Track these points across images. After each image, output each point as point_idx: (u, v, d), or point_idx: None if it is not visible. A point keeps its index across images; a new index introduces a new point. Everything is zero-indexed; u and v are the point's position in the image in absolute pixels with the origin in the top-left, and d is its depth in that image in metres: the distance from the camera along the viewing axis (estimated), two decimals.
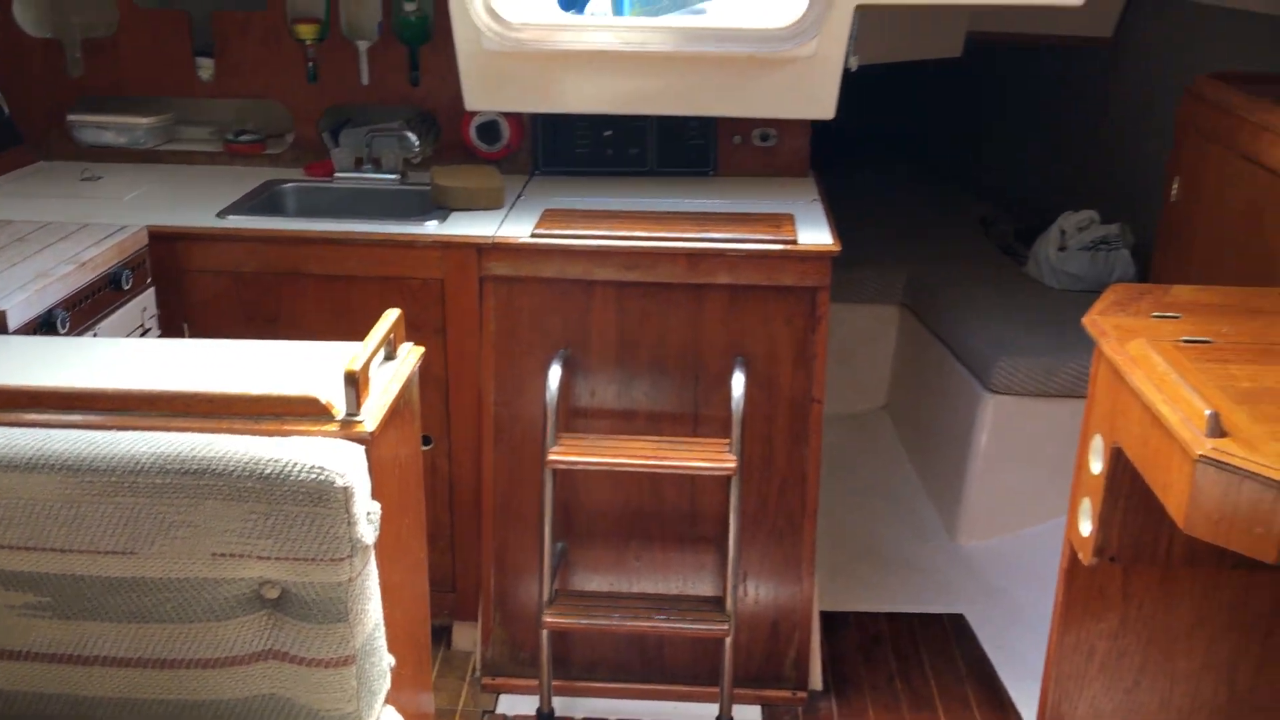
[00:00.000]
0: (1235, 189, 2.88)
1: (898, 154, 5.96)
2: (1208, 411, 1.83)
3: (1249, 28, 3.85)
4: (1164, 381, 2.01)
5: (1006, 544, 3.67)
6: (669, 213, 3.06)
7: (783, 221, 2.97)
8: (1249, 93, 2.92)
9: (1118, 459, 2.22)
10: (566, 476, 2.98)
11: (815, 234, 2.92)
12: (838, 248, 2.84)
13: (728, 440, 2.84)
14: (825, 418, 4.41)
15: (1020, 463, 3.65)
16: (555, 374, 2.85)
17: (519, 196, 3.23)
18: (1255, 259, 2.77)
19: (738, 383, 2.83)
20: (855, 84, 5.86)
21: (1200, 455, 1.80)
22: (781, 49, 2.94)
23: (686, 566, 3.04)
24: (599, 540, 3.04)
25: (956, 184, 5.43)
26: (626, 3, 3.65)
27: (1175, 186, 3.21)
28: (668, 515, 3.01)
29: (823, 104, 3.12)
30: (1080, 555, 2.36)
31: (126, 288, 2.74)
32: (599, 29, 3.01)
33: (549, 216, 3.01)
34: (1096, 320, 2.32)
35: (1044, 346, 3.65)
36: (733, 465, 2.78)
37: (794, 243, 2.85)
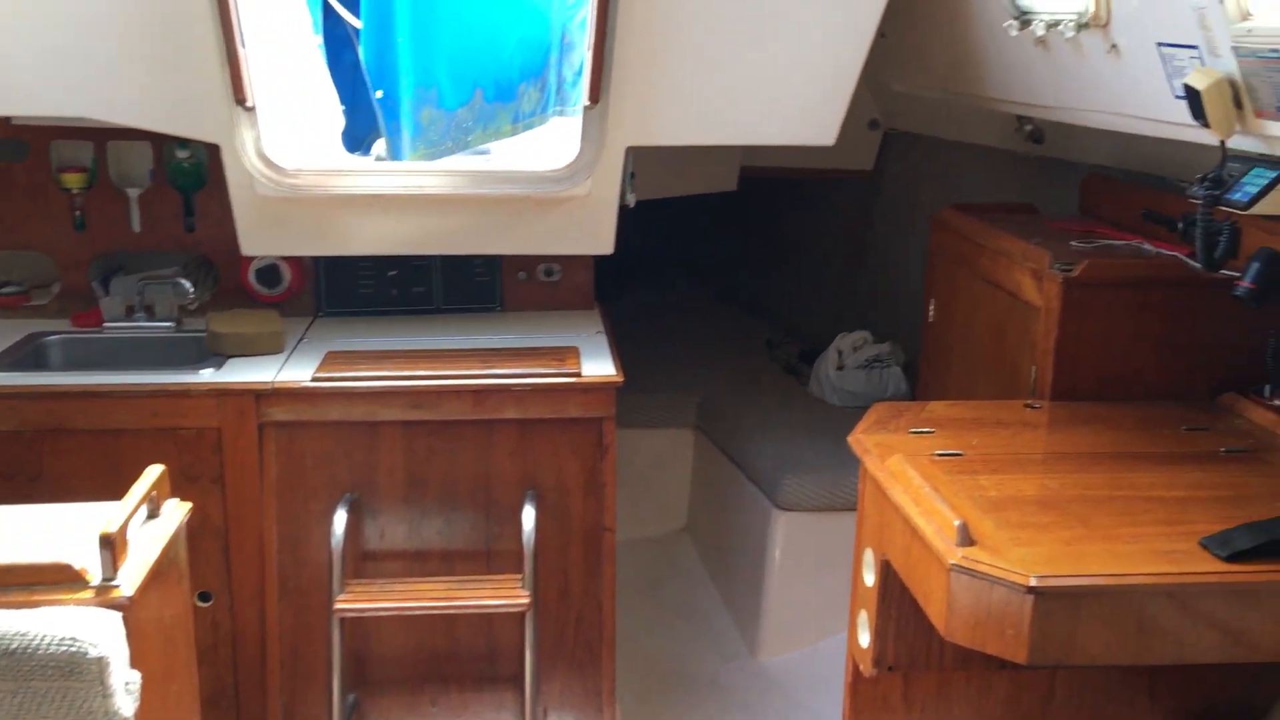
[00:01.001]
0: (981, 309, 3.12)
1: (688, 280, 6.19)
2: (957, 522, 1.95)
3: (989, 160, 4.23)
4: (919, 495, 2.14)
5: (805, 658, 3.75)
6: (454, 350, 3.08)
7: (567, 355, 3.04)
8: (986, 221, 3.19)
9: (887, 571, 2.32)
10: (357, 624, 2.90)
11: (599, 366, 2.99)
12: (620, 379, 2.91)
13: (521, 575, 2.83)
14: (627, 543, 4.47)
15: (813, 576, 3.75)
16: (341, 519, 2.79)
17: (301, 340, 3.19)
18: (1002, 374, 2.98)
19: (528, 516, 2.84)
20: (645, 212, 6.08)
21: (952, 564, 1.91)
22: (558, 190, 3.04)
23: (485, 708, 2.98)
24: (393, 688, 2.95)
25: (743, 308, 5.67)
26: (406, 147, 3.71)
27: (931, 308, 3.45)
28: (464, 656, 2.96)
29: (601, 240, 3.23)
30: (861, 667, 2.44)
31: None
32: (376, 173, 3.06)
33: (331, 359, 2.99)
34: (860, 439, 2.45)
35: (827, 463, 3.80)
36: (526, 601, 2.77)
37: (578, 375, 2.91)
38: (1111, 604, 1.85)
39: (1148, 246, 2.97)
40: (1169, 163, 3.22)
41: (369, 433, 2.88)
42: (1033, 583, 1.83)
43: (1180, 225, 2.95)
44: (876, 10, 2.96)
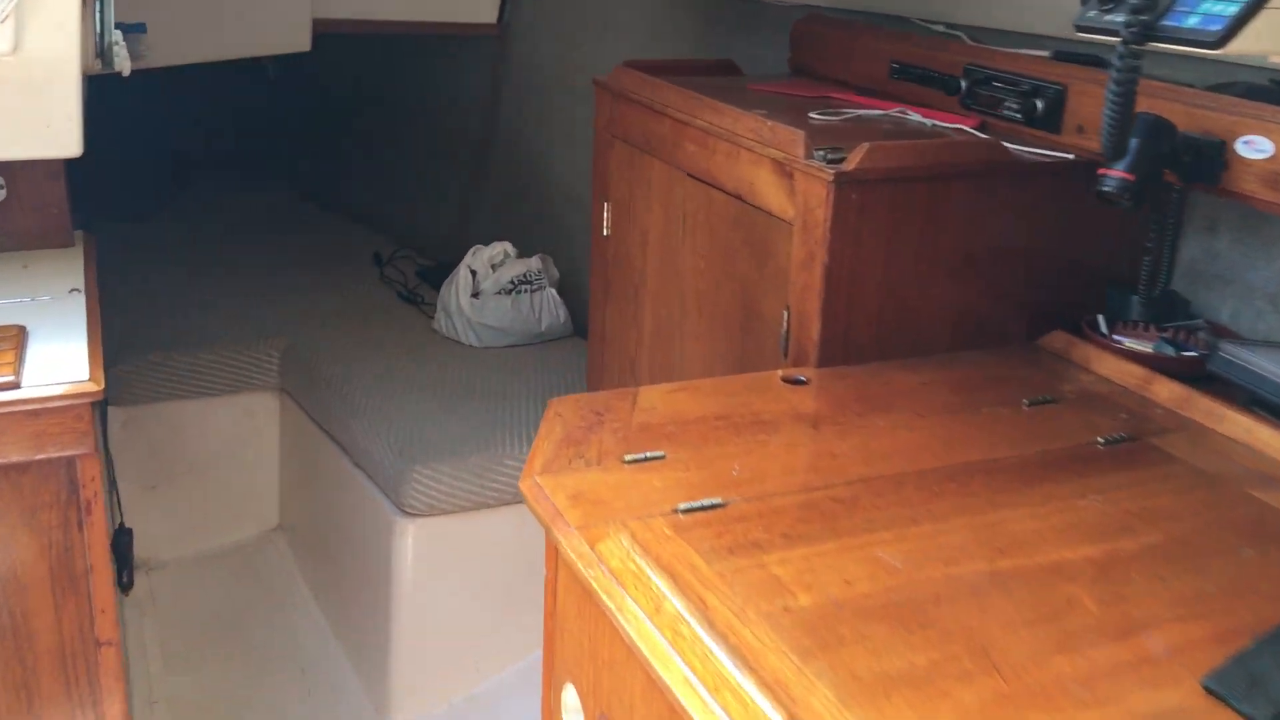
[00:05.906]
0: (687, 220, 2.09)
1: (274, 182, 4.77)
2: None
3: (650, 6, 3.17)
4: (678, 636, 1.08)
5: (456, 713, 2.69)
6: None
7: (0, 343, 1.70)
8: (682, 86, 2.13)
9: None
10: None
11: (62, 361, 1.68)
12: (99, 387, 1.63)
13: None
14: (194, 558, 3.17)
15: (459, 600, 2.68)
16: None
17: None
18: (725, 316, 1.98)
19: None
20: (208, 95, 4.60)
21: None
22: None
23: None
24: None
25: (347, 215, 4.37)
26: None
27: (606, 216, 2.38)
28: None
29: (58, 133, 1.86)
30: None
31: None
32: None
33: None
34: (538, 486, 1.34)
35: (471, 438, 2.71)
36: None
37: (15, 384, 1.59)
38: None
39: (915, 116, 2.04)
40: None
41: None
42: None
43: (963, 85, 2.04)
44: None
